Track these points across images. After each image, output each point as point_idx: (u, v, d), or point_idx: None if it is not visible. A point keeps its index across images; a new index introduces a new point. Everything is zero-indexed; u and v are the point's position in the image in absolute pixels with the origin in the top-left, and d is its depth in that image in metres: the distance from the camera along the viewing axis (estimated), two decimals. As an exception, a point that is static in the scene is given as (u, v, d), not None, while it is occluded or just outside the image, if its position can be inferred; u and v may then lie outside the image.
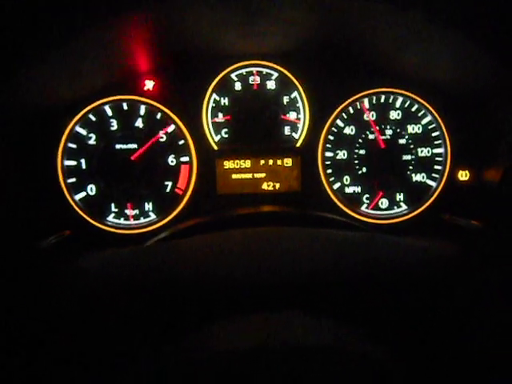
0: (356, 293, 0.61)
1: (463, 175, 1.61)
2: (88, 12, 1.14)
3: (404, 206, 1.65)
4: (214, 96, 1.60)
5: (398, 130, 1.62)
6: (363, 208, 1.65)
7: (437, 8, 1.20)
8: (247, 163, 1.61)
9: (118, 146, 1.56)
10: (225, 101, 1.60)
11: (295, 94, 1.61)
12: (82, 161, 1.56)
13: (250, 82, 1.61)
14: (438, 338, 0.55)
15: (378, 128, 1.62)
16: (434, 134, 1.62)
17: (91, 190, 1.57)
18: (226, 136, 1.61)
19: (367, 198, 1.65)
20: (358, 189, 1.65)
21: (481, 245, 1.38)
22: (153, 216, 1.60)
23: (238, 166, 1.61)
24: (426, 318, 0.57)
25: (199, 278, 0.64)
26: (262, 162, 1.61)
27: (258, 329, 0.53)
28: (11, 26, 1.07)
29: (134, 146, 1.56)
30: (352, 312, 0.58)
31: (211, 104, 1.60)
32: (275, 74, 1.61)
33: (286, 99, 1.62)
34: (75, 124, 1.53)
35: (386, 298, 0.60)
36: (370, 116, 1.61)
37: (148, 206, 1.60)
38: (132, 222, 1.59)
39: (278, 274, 0.64)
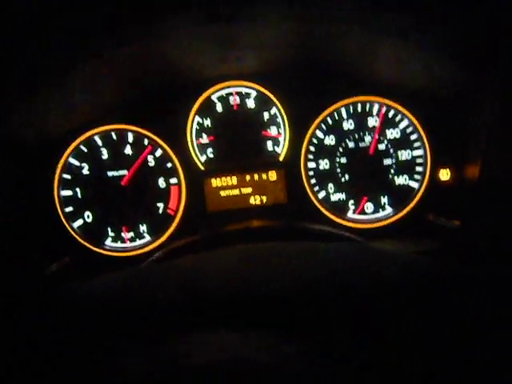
0: (338, 306, 0.64)
1: (444, 175, 1.66)
2: (78, 49, 1.23)
3: (389, 209, 1.70)
4: (197, 118, 1.67)
5: (377, 136, 1.67)
6: (350, 214, 1.70)
7: (407, 30, 1.28)
8: (234, 180, 1.68)
9: (110, 174, 1.64)
10: (208, 122, 1.68)
11: (274, 110, 1.68)
12: (78, 190, 1.64)
13: (231, 103, 1.68)
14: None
15: (357, 136, 1.68)
16: (412, 137, 1.68)
17: (88, 217, 1.65)
18: (212, 156, 1.69)
19: (353, 204, 1.70)
20: (343, 196, 1.70)
21: (460, 243, 1.43)
22: (148, 237, 1.67)
23: (225, 184, 1.68)
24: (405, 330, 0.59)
25: (188, 296, 0.69)
26: (248, 177, 1.68)
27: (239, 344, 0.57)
28: (8, 65, 1.16)
29: (125, 172, 1.64)
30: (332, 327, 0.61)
31: (195, 126, 1.67)
32: (254, 93, 1.68)
33: (266, 116, 1.69)
34: (68, 156, 1.62)
35: (369, 309, 0.63)
36: (374, 122, 1.68)
37: (142, 228, 1.67)
38: (128, 244, 1.67)
39: (259, 289, 0.70)
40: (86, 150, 1.64)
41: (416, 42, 1.36)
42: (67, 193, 1.64)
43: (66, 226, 1.62)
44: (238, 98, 1.68)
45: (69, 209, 1.64)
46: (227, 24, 1.31)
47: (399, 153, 1.68)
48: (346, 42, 1.46)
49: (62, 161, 1.62)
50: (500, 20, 1.15)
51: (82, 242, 1.63)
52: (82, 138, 1.63)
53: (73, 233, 1.63)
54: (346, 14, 1.23)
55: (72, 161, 1.63)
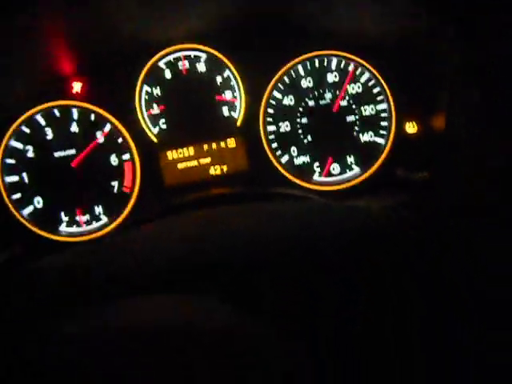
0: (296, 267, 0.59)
1: (411, 127, 1.59)
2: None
3: (356, 168, 1.62)
4: (145, 88, 1.56)
5: (338, 93, 1.58)
6: (316, 177, 1.62)
7: None
8: (191, 151, 1.58)
9: (56, 154, 1.53)
10: (157, 91, 1.57)
11: (227, 72, 1.58)
12: (24, 175, 1.53)
13: (180, 68, 1.57)
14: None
15: (317, 94, 1.59)
16: (375, 91, 1.59)
17: (38, 202, 1.54)
18: (165, 127, 1.58)
19: (318, 166, 1.62)
20: (307, 158, 1.62)
21: (430, 196, 1.36)
22: (104, 218, 1.57)
23: (182, 155, 1.58)
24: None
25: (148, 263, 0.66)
26: (206, 146, 1.58)
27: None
28: None
29: (73, 151, 1.54)
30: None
31: (144, 96, 1.56)
32: (204, 56, 1.57)
33: (219, 80, 1.58)
34: (9, 139, 1.51)
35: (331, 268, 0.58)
36: (334, 77, 1.59)
37: (98, 210, 1.57)
38: (84, 228, 1.57)
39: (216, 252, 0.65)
40: (28, 131, 1.52)
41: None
42: (13, 179, 1.52)
43: (15, 213, 1.52)
44: (187, 63, 1.57)
45: (16, 196, 1.53)
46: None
47: (362, 108, 1.60)
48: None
49: (2, 145, 1.50)
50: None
51: (34, 229, 1.53)
52: (23, 118, 1.51)
53: (23, 220, 1.52)
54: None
55: (14, 144, 1.52)
